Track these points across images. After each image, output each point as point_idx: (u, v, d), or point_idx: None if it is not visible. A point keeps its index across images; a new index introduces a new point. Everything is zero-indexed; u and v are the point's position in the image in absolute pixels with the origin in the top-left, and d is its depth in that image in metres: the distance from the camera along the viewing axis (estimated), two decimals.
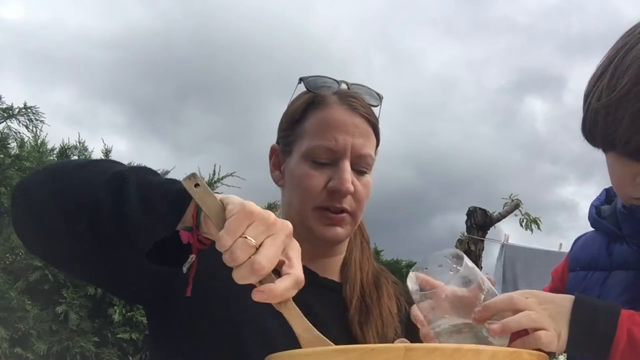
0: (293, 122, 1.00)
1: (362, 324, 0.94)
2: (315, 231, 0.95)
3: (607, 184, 1.01)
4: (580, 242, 1.04)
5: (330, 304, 0.94)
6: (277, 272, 0.66)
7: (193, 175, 0.66)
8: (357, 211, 0.97)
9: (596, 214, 0.99)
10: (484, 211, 6.34)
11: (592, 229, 1.03)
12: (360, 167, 0.97)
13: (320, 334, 0.66)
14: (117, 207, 0.69)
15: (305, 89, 1.01)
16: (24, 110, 3.83)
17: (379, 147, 1.04)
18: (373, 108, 1.01)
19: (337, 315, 0.94)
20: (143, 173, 0.73)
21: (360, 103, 0.98)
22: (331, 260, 1.01)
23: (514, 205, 6.36)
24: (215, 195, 0.67)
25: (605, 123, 0.82)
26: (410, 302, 1.06)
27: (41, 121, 3.89)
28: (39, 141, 4.04)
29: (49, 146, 4.10)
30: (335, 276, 1.00)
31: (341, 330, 0.92)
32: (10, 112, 3.79)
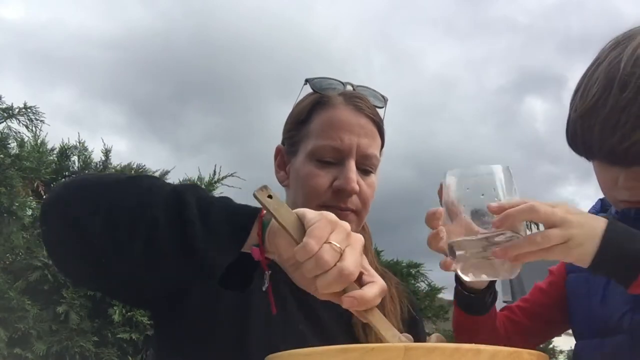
0: (298, 123, 1.00)
1: (365, 327, 0.94)
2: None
3: None
4: None
5: (332, 306, 0.95)
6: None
7: (265, 187, 0.66)
8: (362, 211, 0.98)
9: None
10: None
11: None
12: (366, 166, 0.97)
13: (406, 341, 0.65)
14: (178, 228, 0.67)
15: (310, 90, 1.02)
16: (24, 110, 3.82)
17: (383, 148, 1.04)
18: (378, 110, 1.02)
19: (340, 318, 0.94)
20: (197, 191, 0.71)
21: (365, 104, 0.99)
22: None
23: None
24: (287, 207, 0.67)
25: (582, 132, 0.88)
26: (412, 302, 1.06)
27: (41, 121, 3.89)
28: (39, 141, 4.03)
29: (49, 146, 4.10)
30: None
31: (345, 333, 0.92)
32: (10, 112, 3.78)
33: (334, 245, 0.63)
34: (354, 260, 0.64)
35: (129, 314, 3.63)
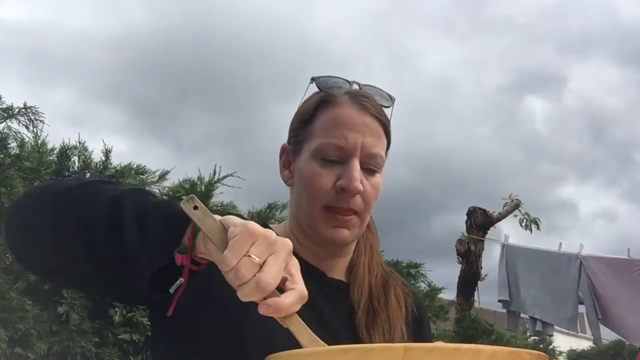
0: (303, 122, 1.00)
1: (369, 327, 0.94)
2: (321, 232, 0.94)
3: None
4: None
5: (336, 305, 0.95)
6: (280, 289, 0.67)
7: (191, 197, 0.68)
8: (364, 212, 0.97)
9: None
10: (484, 211, 6.35)
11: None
12: (370, 166, 0.97)
13: (326, 345, 0.67)
14: (113, 234, 0.70)
15: (316, 89, 1.01)
16: (24, 110, 3.82)
17: (389, 149, 1.04)
18: (385, 109, 1.01)
19: (344, 317, 0.94)
20: (138, 196, 0.74)
21: (371, 103, 0.98)
22: (338, 260, 1.00)
23: (514, 205, 6.36)
24: (215, 216, 0.69)
25: None
26: (418, 303, 1.06)
27: (41, 121, 3.89)
28: (39, 141, 4.03)
29: (49, 146, 4.09)
30: (342, 276, 1.00)
31: (348, 333, 0.92)
32: (10, 112, 3.78)
33: (253, 259, 0.65)
34: (273, 271, 0.65)
35: (129, 314, 3.63)
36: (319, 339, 0.68)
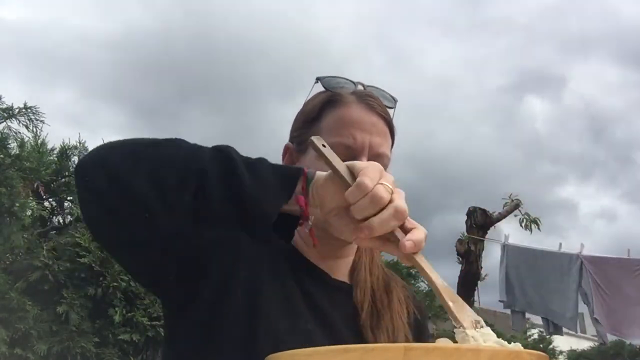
0: (309, 121, 1.00)
1: (373, 328, 0.94)
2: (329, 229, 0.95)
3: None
4: None
5: (341, 307, 0.95)
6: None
7: (318, 137, 0.72)
8: None
9: None
10: (484, 211, 6.34)
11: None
12: None
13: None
14: (227, 179, 0.71)
15: (321, 89, 1.01)
16: (24, 110, 3.82)
17: (393, 148, 1.04)
18: (388, 110, 1.02)
19: (348, 319, 0.94)
20: (237, 151, 0.75)
21: (378, 102, 0.99)
22: (341, 261, 1.00)
23: (514, 205, 6.36)
24: None
25: None
26: (418, 305, 1.06)
27: (41, 121, 3.89)
28: (39, 141, 4.04)
29: (49, 146, 4.10)
30: (345, 278, 0.99)
31: (353, 334, 0.92)
32: (10, 112, 3.79)
33: (386, 185, 0.68)
34: (404, 201, 0.69)
35: (129, 314, 3.64)
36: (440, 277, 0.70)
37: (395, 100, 1.04)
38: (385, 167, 0.98)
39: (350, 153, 0.94)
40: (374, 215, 0.68)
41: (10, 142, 3.82)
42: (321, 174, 0.74)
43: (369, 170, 0.69)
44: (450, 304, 0.67)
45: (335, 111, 0.97)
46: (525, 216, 6.35)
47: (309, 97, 1.04)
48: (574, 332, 6.80)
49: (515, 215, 6.40)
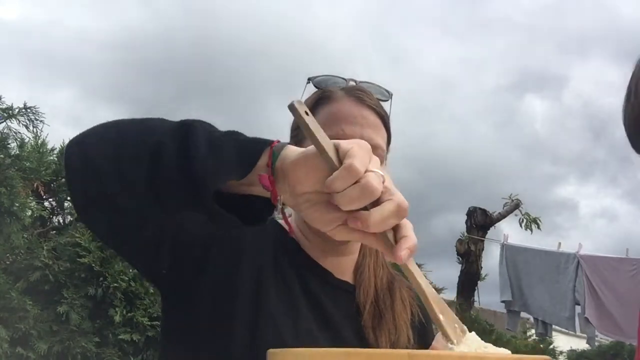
0: None
1: (375, 329, 0.94)
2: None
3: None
4: None
5: (343, 307, 0.95)
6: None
7: (301, 102, 0.58)
8: None
9: None
10: (484, 211, 6.35)
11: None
12: None
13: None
14: (183, 151, 0.63)
15: (314, 89, 1.01)
16: (24, 110, 3.82)
17: (390, 144, 1.03)
18: (383, 103, 1.01)
19: (350, 319, 0.94)
20: (207, 124, 0.67)
21: (368, 96, 0.98)
22: (344, 259, 1.00)
23: (514, 205, 6.36)
24: None
25: None
26: (422, 307, 1.06)
27: (41, 121, 3.89)
28: (39, 141, 4.03)
29: (49, 146, 4.10)
30: (348, 277, 0.99)
31: (354, 334, 0.92)
32: (10, 112, 3.78)
33: (377, 173, 0.57)
34: (400, 193, 0.59)
35: (129, 314, 3.64)
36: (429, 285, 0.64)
37: (389, 94, 1.03)
38: (380, 159, 0.97)
39: None
40: (363, 207, 0.57)
41: (10, 142, 3.82)
42: (292, 148, 0.62)
43: (358, 152, 0.57)
44: (441, 317, 0.63)
45: (326, 108, 0.97)
46: (525, 216, 6.35)
47: (302, 98, 1.02)
48: (574, 332, 6.80)
49: (515, 215, 6.40)
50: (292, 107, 0.57)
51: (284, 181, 0.61)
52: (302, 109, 0.57)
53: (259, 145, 0.63)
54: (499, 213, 6.38)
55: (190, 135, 0.64)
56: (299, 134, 1.00)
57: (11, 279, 3.42)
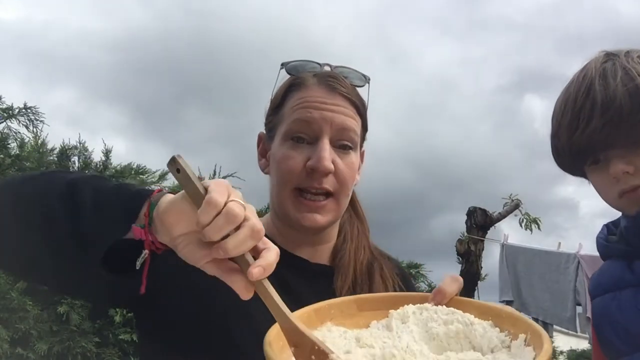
0: (274, 108, 0.98)
1: None
2: (291, 218, 0.92)
3: None
4: (597, 273, 1.05)
5: (320, 291, 0.93)
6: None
7: (173, 159, 0.62)
8: (340, 194, 0.93)
9: (605, 243, 1.02)
10: (484, 211, 6.34)
11: (588, 228, 1.05)
12: (343, 141, 0.93)
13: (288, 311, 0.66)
14: (70, 214, 0.69)
15: (288, 76, 1.00)
16: (24, 110, 3.83)
17: (367, 133, 1.01)
18: (361, 91, 0.99)
19: None
20: (96, 180, 0.74)
21: (340, 83, 0.96)
22: (321, 247, 0.99)
23: (514, 205, 6.36)
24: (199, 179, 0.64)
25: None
26: (402, 274, 1.04)
27: (41, 121, 3.90)
28: (39, 141, 4.04)
29: (49, 146, 4.10)
30: (325, 261, 0.98)
31: None
32: (10, 112, 3.79)
33: (238, 202, 0.61)
34: (257, 219, 0.62)
35: (129, 314, 3.64)
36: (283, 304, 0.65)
37: (367, 79, 1.01)
38: (354, 143, 0.95)
39: (311, 131, 0.92)
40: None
41: (10, 142, 3.82)
42: (167, 197, 0.67)
43: (215, 187, 0.61)
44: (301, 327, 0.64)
45: (297, 94, 0.95)
46: (525, 216, 6.34)
47: (276, 85, 1.02)
48: (574, 332, 6.80)
49: (515, 215, 6.39)
50: (170, 162, 0.62)
51: (162, 226, 0.66)
52: (173, 168, 0.62)
53: (139, 198, 0.68)
54: (499, 213, 6.38)
55: (76, 195, 0.70)
56: (271, 121, 0.99)
57: (11, 279, 3.42)
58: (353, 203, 1.05)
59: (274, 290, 0.64)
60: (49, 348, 3.35)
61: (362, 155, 1.02)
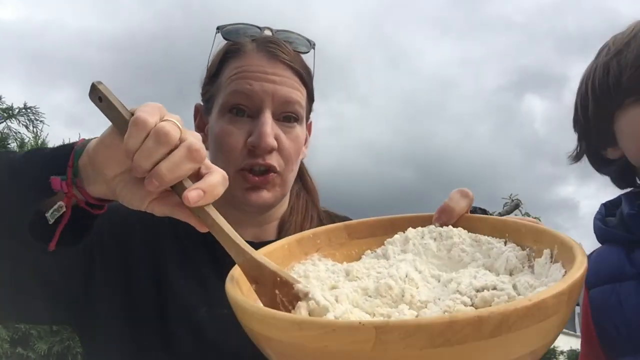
0: (211, 77, 0.91)
1: None
2: (238, 197, 0.85)
3: (607, 183, 1.00)
4: (593, 258, 0.98)
5: None
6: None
7: (93, 87, 0.56)
8: (285, 170, 0.87)
9: (603, 226, 0.96)
10: (484, 211, 6.34)
11: (588, 228, 1.01)
12: (287, 113, 0.86)
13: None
14: None
15: (224, 41, 0.92)
16: (24, 110, 3.83)
17: (314, 103, 0.94)
18: (306, 58, 0.92)
19: None
20: (4, 154, 0.67)
21: (282, 50, 0.88)
22: (267, 227, 0.93)
23: (514, 205, 6.36)
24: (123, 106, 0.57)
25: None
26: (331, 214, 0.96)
27: (41, 121, 3.90)
28: (39, 141, 4.04)
29: (49, 146, 4.10)
30: (272, 237, 0.92)
31: None
32: (10, 112, 3.79)
33: (173, 121, 0.55)
34: (197, 137, 0.56)
35: None
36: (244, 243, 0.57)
37: (312, 44, 0.93)
38: (299, 116, 0.87)
39: (251, 103, 0.84)
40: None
41: (10, 142, 3.82)
42: (94, 140, 0.60)
43: (144, 107, 0.55)
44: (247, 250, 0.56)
45: (234, 62, 0.87)
46: (525, 216, 6.35)
47: (212, 51, 0.94)
48: (574, 332, 6.80)
49: (516, 215, 6.40)
50: (91, 91, 0.55)
51: (94, 171, 0.59)
52: (95, 97, 0.55)
53: (63, 152, 0.61)
54: (499, 213, 6.38)
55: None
56: (208, 90, 0.92)
57: None
58: (302, 176, 0.99)
59: (223, 220, 0.56)
60: (49, 348, 3.35)
61: (309, 127, 0.96)
